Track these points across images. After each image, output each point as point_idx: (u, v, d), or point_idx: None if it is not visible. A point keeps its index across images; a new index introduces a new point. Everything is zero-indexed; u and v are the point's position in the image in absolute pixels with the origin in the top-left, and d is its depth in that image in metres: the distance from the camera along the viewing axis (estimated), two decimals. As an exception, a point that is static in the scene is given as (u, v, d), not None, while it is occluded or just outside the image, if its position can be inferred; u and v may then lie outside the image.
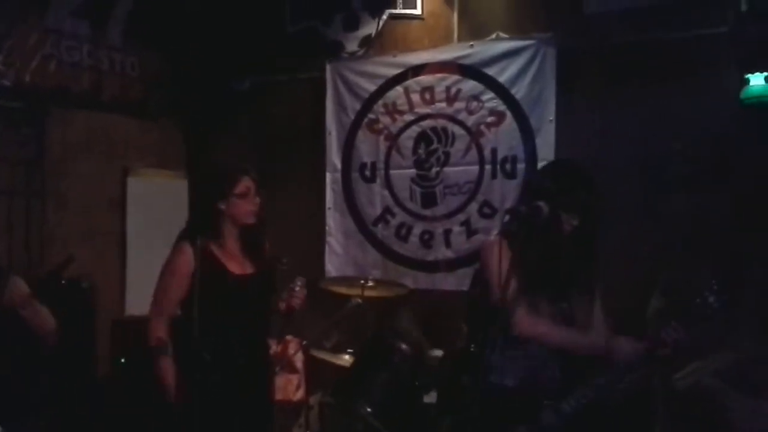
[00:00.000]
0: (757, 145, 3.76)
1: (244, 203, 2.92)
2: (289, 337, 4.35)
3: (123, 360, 4.33)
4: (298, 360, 4.17)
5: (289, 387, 4.14)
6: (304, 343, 3.95)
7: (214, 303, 2.81)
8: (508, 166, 4.45)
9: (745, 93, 3.75)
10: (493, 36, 4.49)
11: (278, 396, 3.61)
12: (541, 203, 2.35)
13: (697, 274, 2.35)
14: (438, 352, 3.91)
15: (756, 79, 3.73)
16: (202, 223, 2.94)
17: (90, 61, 4.72)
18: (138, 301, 4.22)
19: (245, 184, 2.92)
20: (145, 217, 4.91)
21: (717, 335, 2.53)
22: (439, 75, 4.64)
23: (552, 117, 4.31)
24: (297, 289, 3.02)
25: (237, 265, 2.96)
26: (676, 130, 3.89)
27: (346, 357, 3.88)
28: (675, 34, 4.00)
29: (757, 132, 3.77)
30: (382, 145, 4.81)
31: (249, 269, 2.99)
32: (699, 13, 3.96)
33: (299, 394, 4.16)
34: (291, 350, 4.20)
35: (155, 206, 4.95)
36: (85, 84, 4.69)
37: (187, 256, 2.88)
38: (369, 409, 3.40)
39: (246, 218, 2.94)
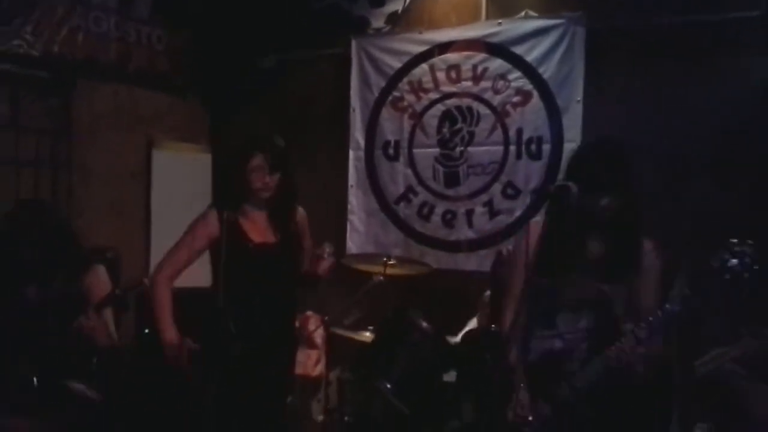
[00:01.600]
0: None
1: (255, 178, 2.97)
2: (309, 313, 4.38)
3: (147, 330, 4.38)
4: (318, 336, 4.20)
5: (309, 362, 4.17)
6: (326, 318, 3.96)
7: (237, 272, 2.87)
8: (533, 147, 4.41)
9: (777, 77, 3.68)
10: (522, 14, 4.43)
11: (297, 370, 3.63)
12: (570, 183, 2.29)
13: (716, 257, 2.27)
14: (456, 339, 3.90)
15: (789, 64, 3.66)
16: (226, 193, 3.03)
17: (117, 33, 4.74)
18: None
19: (256, 160, 2.97)
20: (169, 189, 4.95)
21: (745, 302, 2.44)
22: (465, 53, 4.59)
23: (579, 98, 4.24)
24: (325, 255, 3.04)
25: (259, 234, 3.01)
26: (705, 114, 3.82)
27: (367, 334, 3.89)
28: (705, 17, 3.92)
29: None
30: (406, 124, 4.78)
31: (271, 238, 3.02)
32: (733, -5, 3.88)
33: (318, 370, 4.19)
34: (311, 326, 4.22)
35: (179, 179, 4.98)
36: (112, 56, 4.71)
37: (208, 221, 2.98)
38: (388, 386, 3.42)
39: (259, 192, 2.99)
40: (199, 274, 3.19)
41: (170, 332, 2.94)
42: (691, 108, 3.92)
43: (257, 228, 3.02)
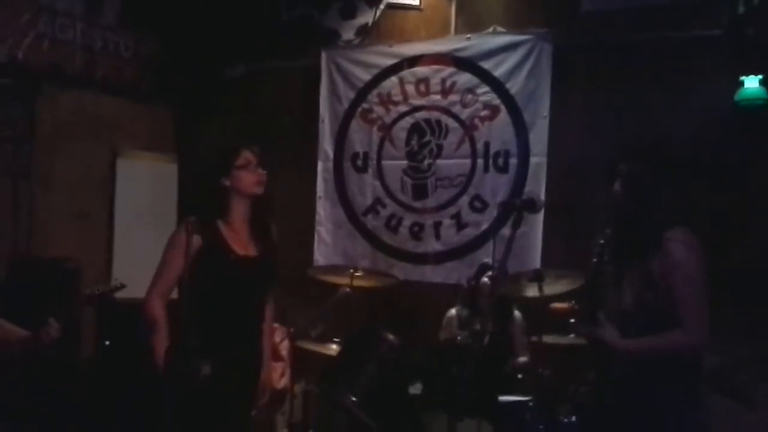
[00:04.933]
0: (748, 146, 3.78)
1: (247, 174, 2.87)
2: (275, 325, 4.33)
3: (107, 342, 4.30)
4: (284, 348, 4.16)
5: (274, 375, 4.12)
6: (291, 330, 3.93)
7: (213, 282, 2.79)
8: (500, 161, 4.45)
9: (739, 95, 3.77)
10: (490, 29, 4.48)
11: (264, 384, 3.58)
12: (535, 196, 2.36)
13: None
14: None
15: (750, 82, 3.75)
16: (208, 202, 2.91)
17: (83, 40, 4.68)
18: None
19: (245, 156, 2.89)
20: (133, 199, 4.88)
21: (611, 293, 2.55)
22: (434, 67, 4.63)
23: (546, 113, 4.30)
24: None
25: (241, 246, 2.91)
26: (667, 130, 3.89)
27: (333, 346, 3.86)
28: (671, 35, 4.01)
29: (750, 133, 3.78)
30: (375, 136, 4.79)
31: (252, 252, 2.95)
32: (696, 15, 3.97)
33: (283, 382, 4.14)
34: (277, 338, 4.18)
35: (144, 189, 4.92)
36: (77, 63, 4.65)
37: (190, 232, 2.81)
38: (354, 399, 3.39)
39: (252, 188, 2.88)
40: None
41: (162, 351, 2.86)
42: (654, 124, 3.99)
43: (239, 239, 2.92)
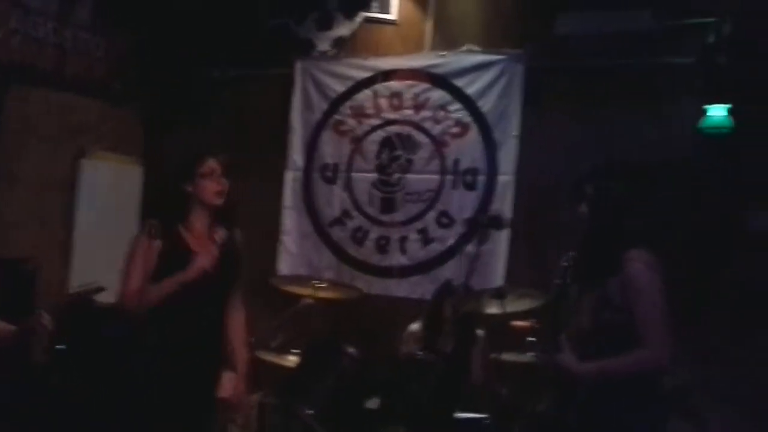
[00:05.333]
0: (713, 172, 3.83)
1: (210, 183, 2.88)
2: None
3: (62, 346, 4.20)
4: (243, 358, 4.09)
5: (228, 385, 4.05)
6: (252, 340, 3.87)
7: None
8: (469, 178, 4.46)
9: (703, 123, 3.82)
10: (465, 48, 4.51)
11: (224, 393, 3.53)
12: (501, 214, 2.38)
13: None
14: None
15: (715, 110, 3.80)
16: (170, 207, 2.92)
17: (55, 38, 4.60)
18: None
19: (210, 164, 2.89)
20: (96, 201, 4.79)
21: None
22: (408, 82, 4.64)
23: (516, 132, 4.34)
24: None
25: (202, 249, 2.90)
26: (636, 155, 3.93)
27: (291, 358, 3.82)
28: (642, 61, 4.07)
29: (714, 160, 3.84)
30: (346, 148, 4.78)
31: (213, 258, 2.90)
32: (666, 43, 4.03)
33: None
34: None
35: (107, 191, 4.84)
36: (48, 61, 4.57)
37: (150, 236, 2.85)
38: (310, 411, 3.36)
39: (212, 198, 2.89)
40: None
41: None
42: (623, 148, 4.02)
43: (200, 242, 2.91)
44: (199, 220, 2.92)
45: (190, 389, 2.89)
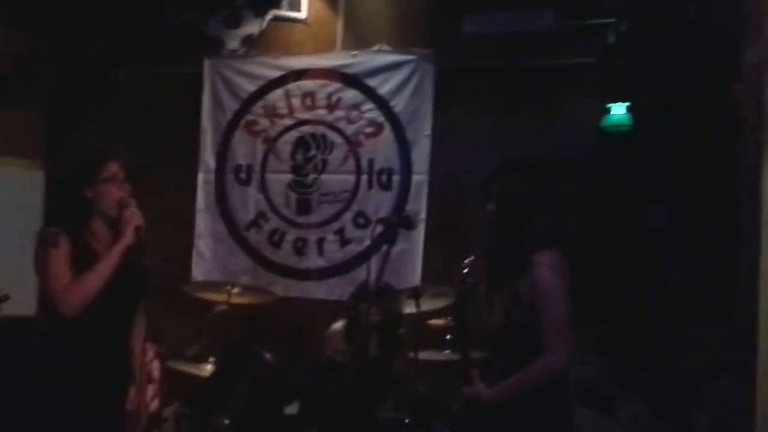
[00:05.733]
0: (613, 170, 3.98)
1: (112, 189, 2.71)
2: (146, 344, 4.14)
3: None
4: (155, 368, 3.97)
5: (143, 397, 3.93)
6: (161, 350, 3.76)
7: None
8: (383, 178, 4.48)
9: (606, 121, 3.98)
10: (376, 47, 4.52)
11: (130, 406, 3.41)
12: (412, 213, 2.40)
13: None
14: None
15: (617, 109, 3.97)
16: (68, 213, 2.73)
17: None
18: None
19: (112, 168, 2.73)
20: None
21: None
22: (320, 81, 4.61)
23: (428, 132, 4.39)
24: None
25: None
26: (542, 151, 4.03)
27: (207, 366, 3.74)
28: (546, 61, 4.19)
29: (614, 158, 3.99)
30: (260, 148, 4.71)
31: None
32: (569, 43, 4.17)
33: (153, 405, 3.95)
34: (147, 358, 3.99)
35: (5, 197, 4.58)
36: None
37: (59, 242, 2.64)
38: (226, 422, 3.29)
39: (113, 209, 2.72)
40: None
41: None
42: (529, 145, 4.12)
43: (106, 249, 2.75)
44: (101, 228, 2.76)
45: (100, 403, 2.78)
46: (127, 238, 2.67)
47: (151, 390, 3.91)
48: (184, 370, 3.77)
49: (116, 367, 2.88)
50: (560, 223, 2.69)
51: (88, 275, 2.62)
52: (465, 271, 2.60)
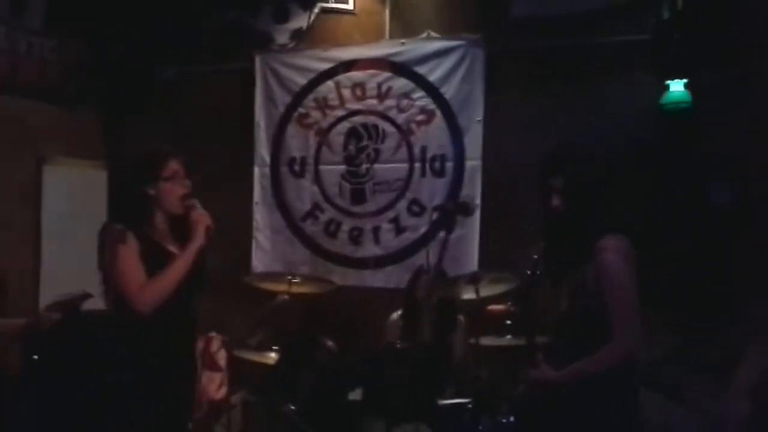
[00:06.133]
0: (674, 149, 3.91)
1: (173, 186, 2.77)
2: (212, 334, 4.26)
3: (36, 357, 4.14)
4: (221, 357, 4.09)
5: (212, 385, 4.05)
6: (226, 339, 3.87)
7: None
8: (437, 165, 4.48)
9: (664, 99, 3.89)
10: (424, 35, 4.51)
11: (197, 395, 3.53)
12: (469, 200, 2.39)
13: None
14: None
15: (675, 86, 3.87)
16: (131, 210, 2.78)
17: (6, 44, 4.49)
18: (53, 296, 4.04)
19: (172, 166, 2.78)
20: (61, 208, 4.71)
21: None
22: (370, 71, 4.63)
23: (480, 117, 4.37)
24: None
25: (177, 246, 2.80)
26: (596, 133, 3.97)
27: (271, 355, 3.82)
28: (599, 40, 4.12)
29: (675, 137, 3.91)
30: (312, 140, 4.76)
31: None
32: (623, 21, 4.08)
33: (221, 393, 4.08)
34: (214, 347, 4.11)
35: (72, 197, 4.75)
36: (1, 68, 4.46)
37: (127, 240, 2.70)
38: (293, 408, 3.37)
39: (175, 206, 2.78)
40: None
41: None
42: (583, 127, 4.07)
43: (171, 245, 2.82)
44: (162, 224, 2.83)
45: (170, 393, 2.87)
46: (200, 239, 2.73)
47: (218, 378, 4.06)
48: (249, 358, 3.86)
49: (184, 358, 2.97)
50: (624, 208, 2.64)
51: (164, 276, 2.68)
52: (535, 257, 2.58)
